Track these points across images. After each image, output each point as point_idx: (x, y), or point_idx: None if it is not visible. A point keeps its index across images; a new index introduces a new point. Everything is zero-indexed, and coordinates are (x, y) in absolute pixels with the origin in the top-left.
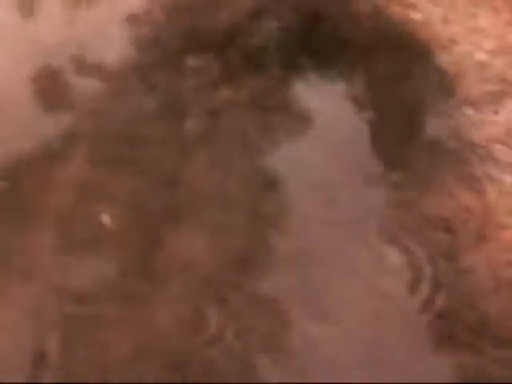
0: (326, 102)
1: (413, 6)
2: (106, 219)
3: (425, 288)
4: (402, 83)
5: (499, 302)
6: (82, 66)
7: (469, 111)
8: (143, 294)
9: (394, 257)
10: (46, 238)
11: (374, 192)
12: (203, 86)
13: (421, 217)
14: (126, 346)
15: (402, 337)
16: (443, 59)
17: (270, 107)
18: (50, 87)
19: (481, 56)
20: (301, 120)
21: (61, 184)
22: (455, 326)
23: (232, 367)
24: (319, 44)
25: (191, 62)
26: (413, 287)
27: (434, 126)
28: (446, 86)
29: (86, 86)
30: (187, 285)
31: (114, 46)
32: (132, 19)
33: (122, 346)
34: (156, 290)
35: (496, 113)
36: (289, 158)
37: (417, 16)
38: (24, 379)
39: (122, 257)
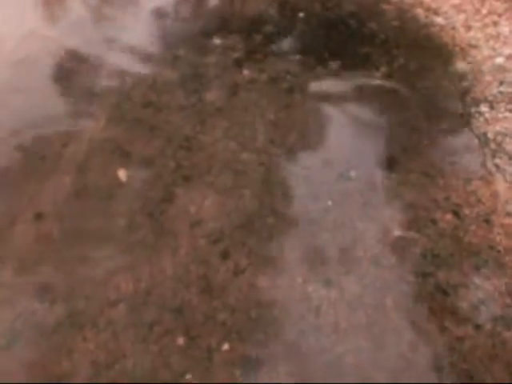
0: (346, 87)
1: (436, 11)
2: (121, 174)
3: (427, 262)
4: (422, 76)
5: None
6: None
7: (484, 108)
8: (151, 244)
9: (398, 231)
10: (62, 185)
11: (388, 175)
12: (225, 63)
13: (432, 199)
14: (130, 287)
15: (401, 304)
16: (463, 61)
17: (289, 88)
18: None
19: (499, 60)
20: (320, 101)
21: (83, 138)
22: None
23: (234, 321)
24: (343, 36)
25: (216, 41)
26: (416, 262)
27: (449, 118)
28: (464, 83)
29: (114, 59)
30: (194, 239)
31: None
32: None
33: (126, 287)
34: (164, 242)
35: (510, 111)
36: (304, 134)
37: (439, 20)
38: None
39: (133, 208)
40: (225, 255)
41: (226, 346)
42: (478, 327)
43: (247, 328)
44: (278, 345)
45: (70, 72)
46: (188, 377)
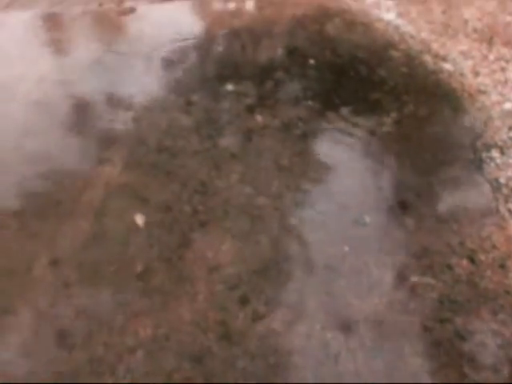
0: (357, 132)
1: (444, 57)
2: (139, 219)
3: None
4: (432, 122)
5: None
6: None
7: (495, 154)
8: (169, 290)
9: (414, 277)
10: (79, 230)
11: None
12: (239, 109)
13: (447, 244)
14: (148, 333)
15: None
16: (472, 106)
17: (301, 134)
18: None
19: (508, 106)
20: (332, 146)
21: (99, 183)
22: None
23: (253, 368)
24: (353, 83)
25: (229, 87)
26: (433, 308)
27: (461, 164)
28: (474, 129)
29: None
30: (212, 285)
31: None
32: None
33: (144, 333)
34: (182, 288)
35: None
36: (318, 179)
37: (448, 66)
38: None
39: (150, 254)
40: (243, 301)
41: None
42: (496, 371)
43: (267, 374)
44: None
45: (85, 117)
46: None
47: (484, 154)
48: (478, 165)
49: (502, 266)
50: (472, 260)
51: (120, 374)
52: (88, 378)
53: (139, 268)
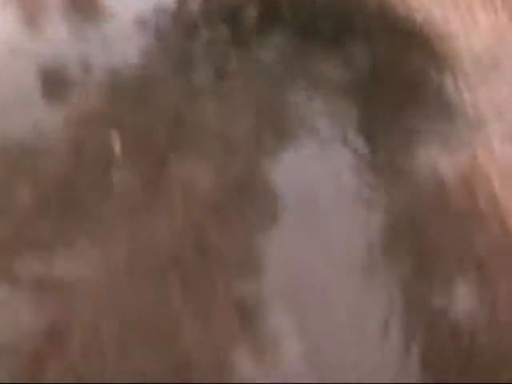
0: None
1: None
2: (116, 146)
3: None
4: (402, 61)
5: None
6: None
7: (463, 87)
8: (146, 210)
9: None
10: (57, 155)
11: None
12: (214, 48)
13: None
14: (124, 247)
15: None
16: (442, 48)
17: (278, 69)
18: None
19: (477, 47)
20: (303, 86)
21: (76, 110)
22: None
23: (223, 275)
24: (327, 25)
25: (204, 32)
26: None
27: (431, 98)
28: (443, 66)
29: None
30: (189, 205)
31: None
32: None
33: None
34: (159, 209)
35: (488, 90)
36: (293, 113)
37: (420, 16)
38: None
39: (128, 179)
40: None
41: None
42: None
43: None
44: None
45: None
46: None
47: (453, 88)
48: (447, 103)
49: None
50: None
51: None
52: None
53: (118, 189)
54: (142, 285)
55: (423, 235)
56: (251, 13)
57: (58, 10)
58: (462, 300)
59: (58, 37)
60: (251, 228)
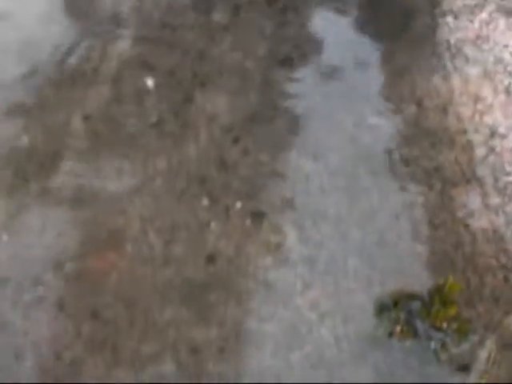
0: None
1: None
2: (149, 82)
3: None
4: None
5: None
6: None
7: (449, 19)
8: (178, 135)
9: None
10: (102, 92)
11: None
12: None
13: (399, 93)
14: (164, 165)
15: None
16: None
17: (282, 7)
18: None
19: None
20: (310, 19)
21: (113, 55)
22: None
23: (242, 187)
24: None
25: None
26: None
27: (419, 27)
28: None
29: None
30: (212, 130)
31: None
32: None
33: (160, 166)
34: (188, 133)
35: (471, 21)
36: (297, 48)
37: None
38: None
39: (160, 108)
40: (236, 140)
41: (239, 204)
42: (431, 187)
43: (254, 191)
44: (278, 200)
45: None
46: (212, 226)
47: (440, 20)
48: (434, 29)
49: (444, 110)
50: (419, 105)
51: (145, 193)
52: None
53: (153, 119)
54: (177, 196)
55: None
56: None
57: None
58: None
59: None
60: (263, 147)
